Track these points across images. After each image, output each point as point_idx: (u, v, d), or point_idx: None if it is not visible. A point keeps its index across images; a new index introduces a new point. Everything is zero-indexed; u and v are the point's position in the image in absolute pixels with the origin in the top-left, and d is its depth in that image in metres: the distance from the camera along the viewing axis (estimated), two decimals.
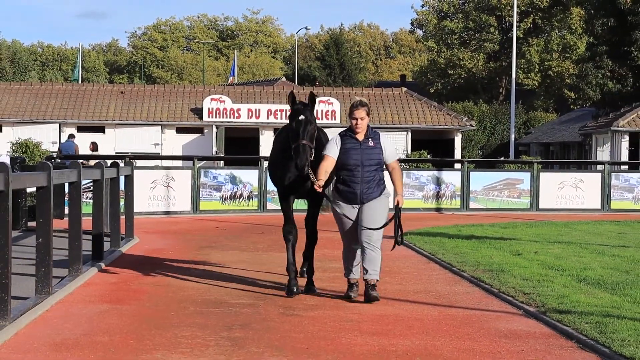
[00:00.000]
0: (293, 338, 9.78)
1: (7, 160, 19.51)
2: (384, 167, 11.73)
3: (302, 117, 11.73)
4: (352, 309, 11.69)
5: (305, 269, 13.34)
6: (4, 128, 52.90)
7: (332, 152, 11.40)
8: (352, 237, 11.74)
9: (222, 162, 38.52)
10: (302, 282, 13.14)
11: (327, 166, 11.44)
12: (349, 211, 11.62)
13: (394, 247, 12.21)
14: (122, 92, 58.66)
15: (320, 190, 11.30)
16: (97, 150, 42.89)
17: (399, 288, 13.74)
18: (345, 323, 10.67)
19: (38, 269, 12.08)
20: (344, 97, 56.58)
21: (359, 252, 11.74)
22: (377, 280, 11.55)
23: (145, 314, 11.25)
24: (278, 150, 12.80)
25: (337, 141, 11.48)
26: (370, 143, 11.36)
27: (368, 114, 11.60)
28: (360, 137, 11.50)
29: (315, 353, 9.02)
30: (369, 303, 11.56)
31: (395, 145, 51.94)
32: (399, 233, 11.72)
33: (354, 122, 11.48)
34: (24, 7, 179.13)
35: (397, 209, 11.52)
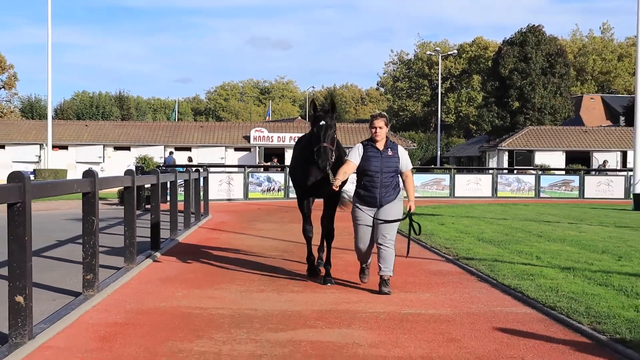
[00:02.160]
0: (305, 275, 9.82)
1: (134, 168, 19.83)
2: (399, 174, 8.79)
3: (323, 122, 9.07)
4: (341, 258, 11.54)
5: (322, 262, 10.03)
6: (132, 148, 52.99)
7: (354, 158, 8.68)
8: (365, 242, 8.79)
9: (262, 168, 38.77)
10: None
11: (346, 169, 8.63)
12: (367, 215, 8.65)
13: (407, 252, 9.37)
14: (201, 127, 58.82)
15: (337, 189, 8.63)
16: (191, 161, 43.13)
17: None
18: (336, 267, 10.39)
19: (152, 233, 12.24)
20: (337, 129, 56.51)
21: (367, 248, 8.80)
22: (390, 276, 8.67)
23: (218, 257, 11.19)
24: (298, 156, 9.90)
25: (359, 149, 8.74)
26: (389, 152, 8.68)
27: (386, 125, 8.80)
28: (380, 146, 8.71)
29: (318, 285, 9.08)
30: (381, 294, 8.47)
31: None
32: (416, 231, 8.88)
33: (373, 130, 8.71)
34: (144, 74, 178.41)
35: (410, 214, 8.74)
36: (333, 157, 8.93)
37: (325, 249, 9.99)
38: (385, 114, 8.83)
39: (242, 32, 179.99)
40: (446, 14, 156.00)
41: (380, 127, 8.61)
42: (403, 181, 8.78)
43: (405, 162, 8.72)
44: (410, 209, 8.67)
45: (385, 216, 8.59)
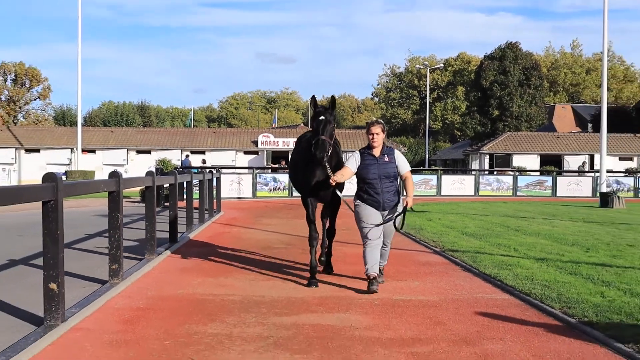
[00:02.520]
0: (308, 266, 9.87)
1: (154, 170, 19.88)
2: (399, 178, 8.08)
3: (322, 117, 8.21)
4: (340, 250, 11.39)
5: (323, 259, 9.39)
6: (152, 152, 52.94)
7: (351, 165, 8.03)
8: (372, 229, 7.86)
9: (269, 170, 38.82)
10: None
11: (344, 172, 8.03)
12: (374, 214, 7.87)
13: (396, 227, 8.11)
14: (214, 132, 58.74)
15: (333, 184, 7.95)
16: (205, 163, 43.13)
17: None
18: (336, 258, 10.15)
19: (170, 227, 12.33)
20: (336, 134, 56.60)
21: (377, 251, 7.90)
22: (383, 266, 8.38)
23: (229, 249, 11.25)
24: (296, 158, 9.04)
25: (356, 157, 8.08)
26: (386, 159, 7.95)
27: (383, 131, 8.07)
28: (376, 152, 7.98)
29: (319, 274, 8.88)
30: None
31: None
32: (401, 223, 7.95)
33: (370, 137, 8.01)
34: (164, 85, 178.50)
35: (405, 208, 7.88)
36: (330, 152, 8.05)
37: (328, 246, 9.42)
38: (381, 121, 8.12)
39: (250, 47, 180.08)
40: (434, 32, 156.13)
41: (377, 134, 7.95)
42: (403, 182, 8.08)
43: (402, 164, 8.05)
44: (406, 204, 7.85)
45: (389, 224, 7.98)
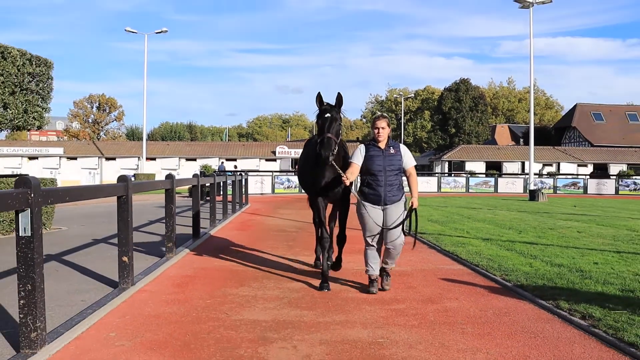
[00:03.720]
0: (312, 245, 9.47)
1: (198, 173, 19.90)
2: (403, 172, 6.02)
3: (328, 114, 5.94)
4: (351, 239, 11.61)
5: (333, 262, 7.18)
6: (197, 160, 52.86)
7: (357, 159, 5.96)
8: (374, 237, 6.10)
9: (285, 173, 38.82)
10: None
11: (353, 169, 5.92)
12: (374, 212, 5.98)
13: (414, 245, 7.03)
14: (243, 145, 58.60)
15: (347, 183, 5.91)
16: (236, 168, 43.05)
17: (357, 224, 13.69)
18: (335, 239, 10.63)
19: (210, 215, 12.34)
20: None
21: (377, 252, 6.14)
22: (392, 268, 6.29)
23: (253, 234, 11.19)
24: (304, 160, 6.90)
25: (361, 150, 6.01)
26: (392, 151, 5.94)
27: (388, 125, 6.02)
28: (382, 145, 5.95)
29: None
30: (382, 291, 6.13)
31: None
32: (414, 228, 6.05)
33: (376, 131, 5.98)
34: (205, 110, 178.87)
35: (411, 210, 5.95)
36: (335, 150, 5.89)
37: (336, 251, 7.32)
38: (386, 115, 6.10)
39: (271, 81, 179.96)
40: (407, 70, 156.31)
41: (382, 128, 5.94)
42: (407, 178, 6.06)
43: (408, 158, 6.04)
44: (412, 205, 5.95)
45: (391, 218, 5.96)
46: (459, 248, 8.98)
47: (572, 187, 35.92)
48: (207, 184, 20.29)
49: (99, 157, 53.72)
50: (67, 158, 53.84)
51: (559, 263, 7.58)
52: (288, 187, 31.04)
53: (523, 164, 53.73)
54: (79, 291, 5.86)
